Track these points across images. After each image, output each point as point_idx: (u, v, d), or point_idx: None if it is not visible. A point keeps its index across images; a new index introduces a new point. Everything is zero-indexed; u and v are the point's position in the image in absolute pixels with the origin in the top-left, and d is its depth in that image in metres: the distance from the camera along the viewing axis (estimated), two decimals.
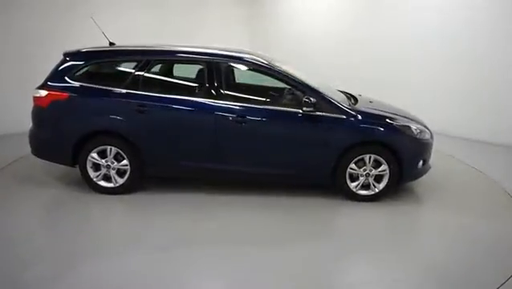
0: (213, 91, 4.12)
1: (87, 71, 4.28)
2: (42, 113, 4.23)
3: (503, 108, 6.37)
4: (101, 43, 4.60)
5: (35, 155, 4.45)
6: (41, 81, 4.29)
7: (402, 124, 4.27)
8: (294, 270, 3.08)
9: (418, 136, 4.28)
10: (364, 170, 4.20)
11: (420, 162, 4.32)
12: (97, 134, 4.16)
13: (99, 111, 4.15)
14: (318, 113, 4.07)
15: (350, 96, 4.72)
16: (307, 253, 3.33)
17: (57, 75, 4.22)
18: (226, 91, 4.16)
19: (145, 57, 4.22)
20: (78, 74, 4.20)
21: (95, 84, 4.20)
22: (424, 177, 4.49)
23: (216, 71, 4.14)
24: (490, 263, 3.22)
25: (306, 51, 9.00)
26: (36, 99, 4.23)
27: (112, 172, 4.22)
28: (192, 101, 4.15)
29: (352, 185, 4.24)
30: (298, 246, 3.45)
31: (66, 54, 4.31)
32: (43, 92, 4.16)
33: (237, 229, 3.72)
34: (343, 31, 8.58)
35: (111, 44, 4.64)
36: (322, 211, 4.12)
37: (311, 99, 4.03)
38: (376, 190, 4.25)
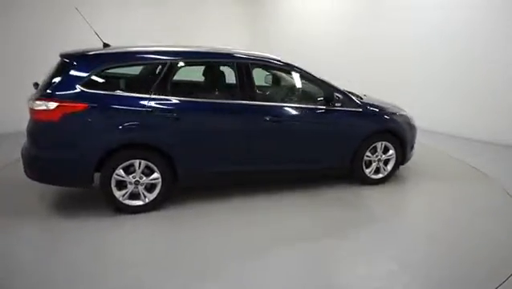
0: (246, 93, 4.04)
1: (103, 76, 3.71)
2: (51, 129, 3.49)
3: (503, 108, 6.35)
4: (97, 44, 4.06)
5: (37, 180, 3.67)
6: (40, 82, 3.65)
7: (402, 113, 4.88)
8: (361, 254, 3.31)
9: (412, 122, 4.96)
10: (376, 156, 4.69)
11: (414, 145, 5.02)
12: (122, 148, 3.67)
13: (126, 121, 3.63)
14: (344, 108, 4.39)
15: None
16: (365, 239, 3.59)
17: (64, 82, 3.54)
18: (258, 92, 4.13)
19: (170, 59, 3.85)
20: (92, 80, 3.59)
21: (117, 91, 3.68)
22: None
23: (246, 72, 4.05)
24: (490, 262, 3.17)
25: (307, 51, 8.84)
26: (39, 112, 3.47)
27: (141, 189, 3.79)
28: (227, 104, 4.00)
29: (367, 170, 4.69)
30: (347, 235, 3.62)
31: (70, 57, 3.64)
32: (52, 104, 3.44)
33: (290, 227, 3.73)
34: (343, 31, 8.66)
35: (106, 45, 4.09)
36: (351, 200, 4.39)
37: (339, 95, 4.32)
38: (385, 173, 4.79)
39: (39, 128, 3.54)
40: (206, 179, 4.13)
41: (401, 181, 4.96)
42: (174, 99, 3.79)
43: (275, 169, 4.32)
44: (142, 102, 3.67)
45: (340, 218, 3.95)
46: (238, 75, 4.03)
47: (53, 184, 3.76)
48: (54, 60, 3.75)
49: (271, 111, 4.09)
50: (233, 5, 9.89)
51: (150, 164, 3.75)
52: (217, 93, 4.19)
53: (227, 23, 9.55)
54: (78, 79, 3.55)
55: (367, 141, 4.58)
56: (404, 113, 4.95)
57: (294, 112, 4.26)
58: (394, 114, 4.78)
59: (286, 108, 4.24)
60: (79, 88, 3.53)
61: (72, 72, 3.58)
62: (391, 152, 4.74)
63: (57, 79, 3.56)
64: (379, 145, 4.66)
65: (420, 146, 5.92)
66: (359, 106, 4.53)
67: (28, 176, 3.68)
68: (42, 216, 3.76)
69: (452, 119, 7.00)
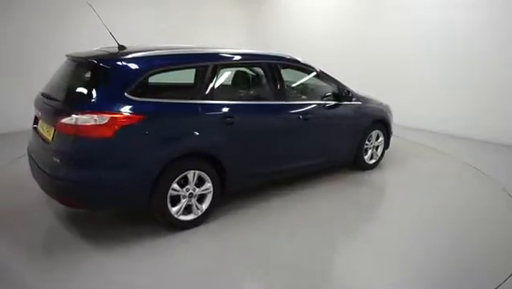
0: (282, 93, 4.12)
1: (149, 82, 3.31)
2: (103, 146, 2.98)
3: (504, 108, 6.36)
4: (97, 44, 3.63)
5: (83, 207, 3.13)
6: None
7: (384, 103, 5.50)
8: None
9: (391, 111, 5.62)
10: (371, 143, 5.22)
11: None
12: (177, 159, 3.36)
13: (183, 130, 3.34)
14: (353, 102, 4.78)
15: None
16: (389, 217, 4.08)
17: (109, 90, 3.07)
18: (287, 92, 4.22)
19: (211, 62, 3.62)
20: (140, 87, 3.18)
21: (165, 98, 3.33)
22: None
23: (278, 73, 4.10)
24: (490, 262, 3.14)
25: (306, 50, 7.99)
26: (86, 128, 2.92)
27: (194, 201, 3.54)
28: (270, 105, 4.00)
29: (365, 157, 5.19)
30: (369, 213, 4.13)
31: (109, 62, 3.16)
32: (103, 117, 2.95)
33: (337, 213, 3.99)
34: (343, 30, 8.50)
35: (121, 47, 3.64)
36: (358, 187, 4.81)
37: (349, 91, 4.68)
38: (377, 158, 5.37)
39: (86, 146, 2.98)
40: (250, 182, 4.06)
41: (400, 178, 5.16)
42: (227, 103, 3.63)
43: (306, 165, 4.47)
44: (197, 108, 3.43)
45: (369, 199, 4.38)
46: (272, 76, 4.06)
47: (102, 209, 3.22)
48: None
49: (302, 109, 4.23)
50: (232, 3, 9.52)
51: (203, 173, 3.52)
52: (256, 94, 4.14)
53: (225, 22, 9.19)
54: (124, 87, 3.11)
55: (367, 130, 5.06)
56: (385, 103, 5.59)
57: (318, 109, 4.46)
58: (381, 104, 5.38)
59: (312, 106, 4.40)
60: (128, 98, 3.10)
61: (117, 79, 3.13)
62: (380, 138, 5.32)
63: (97, 88, 3.07)
64: (374, 133, 5.20)
65: (420, 146, 6.55)
66: (360, 100, 4.97)
67: (68, 205, 3.10)
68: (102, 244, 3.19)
69: (452, 119, 7.00)
